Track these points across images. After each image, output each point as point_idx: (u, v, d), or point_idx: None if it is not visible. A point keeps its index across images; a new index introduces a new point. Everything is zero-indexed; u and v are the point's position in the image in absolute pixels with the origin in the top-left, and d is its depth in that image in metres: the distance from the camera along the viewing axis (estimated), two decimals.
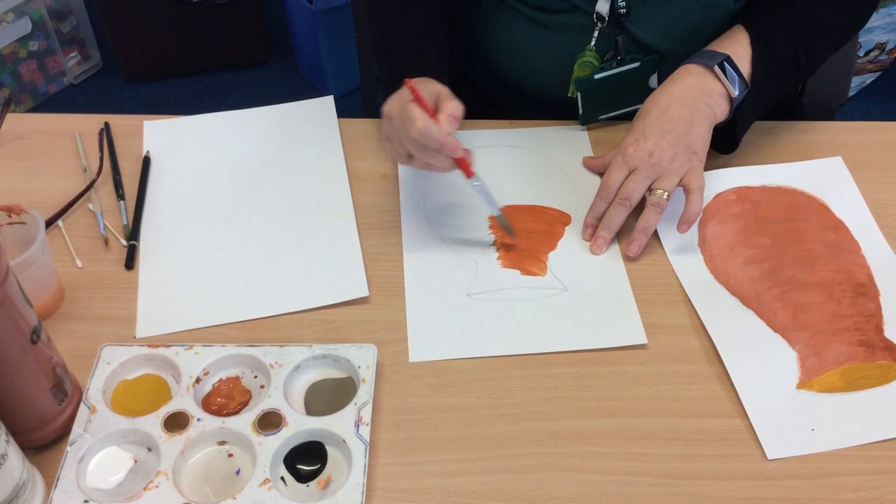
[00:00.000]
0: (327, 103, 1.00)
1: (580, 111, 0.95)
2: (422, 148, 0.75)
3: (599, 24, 0.90)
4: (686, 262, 0.82)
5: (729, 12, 0.92)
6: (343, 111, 0.99)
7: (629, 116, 0.89)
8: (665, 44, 0.93)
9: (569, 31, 0.93)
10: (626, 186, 0.83)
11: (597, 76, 0.93)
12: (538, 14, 0.93)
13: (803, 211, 0.87)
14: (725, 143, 0.91)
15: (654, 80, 0.94)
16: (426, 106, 0.74)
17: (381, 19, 0.95)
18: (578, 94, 0.94)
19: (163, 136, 0.96)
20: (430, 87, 0.78)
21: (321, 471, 0.65)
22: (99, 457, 0.65)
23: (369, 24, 0.99)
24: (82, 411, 0.67)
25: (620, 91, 0.94)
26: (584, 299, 0.79)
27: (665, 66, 0.90)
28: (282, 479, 0.65)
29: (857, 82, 2.17)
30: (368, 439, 0.65)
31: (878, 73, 2.17)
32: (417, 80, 0.79)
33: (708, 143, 0.85)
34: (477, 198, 0.81)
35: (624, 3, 0.88)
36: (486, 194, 0.80)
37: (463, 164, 0.77)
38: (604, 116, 0.97)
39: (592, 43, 0.92)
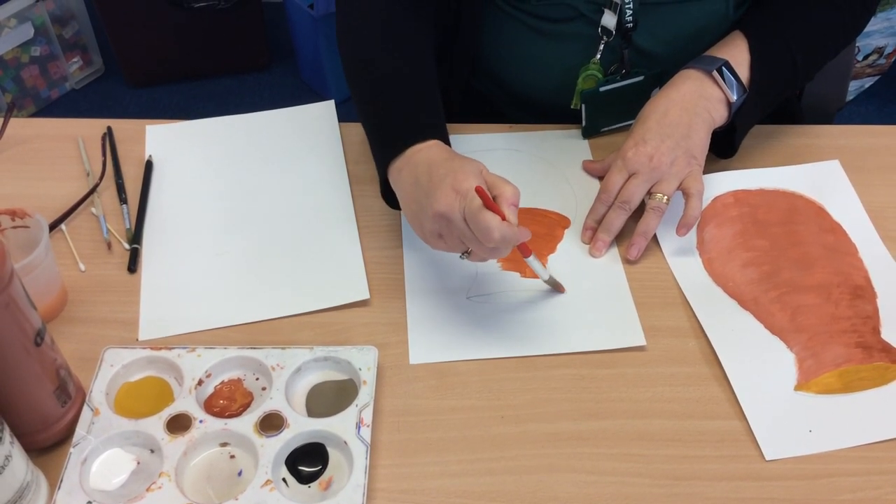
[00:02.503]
0: (328, 108, 1.01)
1: (583, 123, 0.96)
2: (493, 250, 0.69)
3: (605, 38, 0.91)
4: (684, 264, 0.83)
5: (728, 22, 0.93)
6: (344, 116, 0.99)
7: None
8: (667, 53, 0.93)
9: (573, 42, 0.93)
10: (625, 190, 0.83)
11: (602, 89, 0.93)
12: (541, 24, 0.94)
13: (801, 214, 0.87)
14: (724, 147, 0.91)
15: (656, 92, 0.95)
16: (496, 209, 0.67)
17: (360, 66, 0.85)
18: (583, 107, 0.94)
19: (165, 141, 0.97)
20: (472, 171, 0.70)
21: (322, 472, 0.66)
22: (102, 458, 0.66)
23: (348, 77, 0.87)
24: (85, 413, 0.67)
25: (624, 104, 0.94)
26: (583, 302, 0.79)
27: (665, 77, 0.90)
28: (283, 480, 0.65)
29: (855, 86, 2.18)
30: (369, 441, 0.66)
31: (876, 78, 2.17)
32: (448, 161, 0.72)
33: (707, 148, 0.85)
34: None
35: (631, 17, 0.88)
36: (537, 265, 0.76)
37: (523, 247, 0.72)
38: (606, 129, 0.97)
39: (598, 56, 0.92)
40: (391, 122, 0.80)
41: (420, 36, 0.87)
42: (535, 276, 0.81)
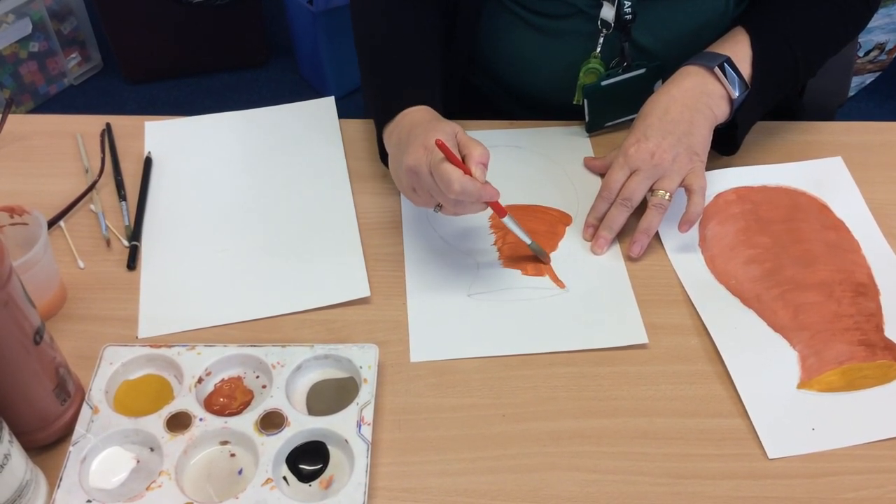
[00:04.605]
0: (328, 104, 1.01)
1: (586, 118, 0.95)
2: (457, 203, 0.73)
3: (605, 31, 0.90)
4: (687, 261, 0.83)
5: (728, 18, 0.92)
6: (343, 112, 0.99)
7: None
8: (666, 49, 0.93)
9: (572, 38, 0.93)
10: (627, 187, 0.83)
11: (603, 83, 0.93)
12: (540, 20, 0.93)
13: (803, 211, 0.87)
14: (726, 144, 0.91)
15: (658, 85, 0.94)
16: (458, 162, 0.71)
17: (373, 44, 0.91)
18: (585, 102, 0.94)
19: (164, 137, 0.96)
20: (445, 129, 0.74)
21: (323, 470, 0.65)
22: (101, 457, 0.66)
23: (357, 46, 0.93)
24: (85, 411, 0.67)
25: (626, 97, 0.93)
26: (585, 299, 0.79)
27: (666, 71, 0.90)
28: (284, 478, 0.65)
29: (856, 82, 2.18)
30: (370, 439, 0.66)
31: (877, 74, 2.17)
32: (429, 122, 0.77)
33: (709, 144, 0.85)
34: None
35: (630, 9, 0.88)
36: (517, 228, 0.79)
37: (495, 206, 0.76)
38: (610, 123, 0.97)
39: (598, 50, 0.92)
40: (386, 89, 0.86)
41: (422, 13, 0.91)
42: (538, 273, 0.81)
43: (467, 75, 1.04)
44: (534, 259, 0.82)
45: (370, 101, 0.88)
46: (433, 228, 0.86)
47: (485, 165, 0.72)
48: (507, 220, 0.78)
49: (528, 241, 0.80)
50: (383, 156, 0.86)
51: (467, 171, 0.71)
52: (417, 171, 0.74)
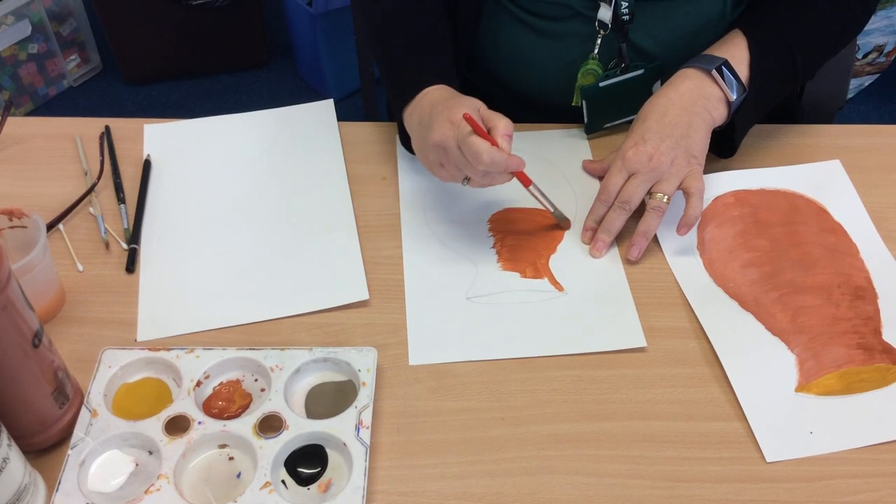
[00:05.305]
0: (327, 106, 1.01)
1: (585, 120, 0.95)
2: (486, 174, 0.76)
3: (602, 32, 0.90)
4: (685, 265, 0.83)
5: (726, 20, 0.93)
6: (342, 114, 0.99)
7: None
8: (664, 52, 0.93)
9: (570, 39, 0.93)
10: (625, 190, 0.83)
11: (602, 84, 0.93)
12: (539, 22, 0.93)
13: (802, 214, 0.87)
14: (724, 147, 0.91)
15: (657, 86, 0.94)
16: (485, 135, 0.74)
17: (384, 30, 0.93)
18: (584, 103, 0.94)
19: (163, 140, 0.96)
20: (468, 105, 0.77)
21: (322, 474, 0.65)
22: (100, 460, 0.66)
23: (369, 38, 0.96)
24: (83, 415, 0.67)
25: (625, 99, 0.94)
26: (583, 302, 0.79)
27: (665, 72, 0.90)
28: (282, 482, 0.65)
29: (854, 85, 2.18)
30: (369, 442, 0.66)
31: (876, 76, 2.17)
32: (450, 99, 0.79)
33: (707, 147, 0.85)
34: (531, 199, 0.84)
35: (627, 10, 0.88)
36: (542, 194, 0.83)
37: (521, 176, 0.79)
38: (609, 125, 0.97)
39: (595, 51, 0.92)
40: (403, 72, 0.88)
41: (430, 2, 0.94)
42: (536, 276, 0.81)
43: (467, 75, 1.04)
44: (532, 262, 0.83)
45: (387, 87, 0.91)
46: (432, 232, 0.86)
47: (510, 137, 0.76)
48: (532, 189, 0.81)
49: (552, 209, 0.84)
50: (404, 139, 0.89)
51: (494, 143, 0.74)
52: (445, 145, 0.76)
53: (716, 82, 0.85)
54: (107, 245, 0.84)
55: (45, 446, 0.66)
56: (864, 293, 0.79)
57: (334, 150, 0.95)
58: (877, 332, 0.76)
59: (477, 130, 0.74)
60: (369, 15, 0.96)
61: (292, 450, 0.66)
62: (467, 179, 0.79)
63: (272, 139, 0.97)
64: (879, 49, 2.09)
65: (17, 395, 0.62)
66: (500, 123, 0.76)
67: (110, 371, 0.70)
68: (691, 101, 0.84)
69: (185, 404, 0.68)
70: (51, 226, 0.85)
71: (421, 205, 0.88)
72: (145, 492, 0.63)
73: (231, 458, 0.66)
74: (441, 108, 0.78)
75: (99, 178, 0.91)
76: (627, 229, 0.84)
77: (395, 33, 0.92)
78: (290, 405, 0.68)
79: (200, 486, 0.65)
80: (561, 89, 0.96)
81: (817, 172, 0.92)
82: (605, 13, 0.89)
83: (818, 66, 0.94)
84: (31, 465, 0.62)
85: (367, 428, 0.66)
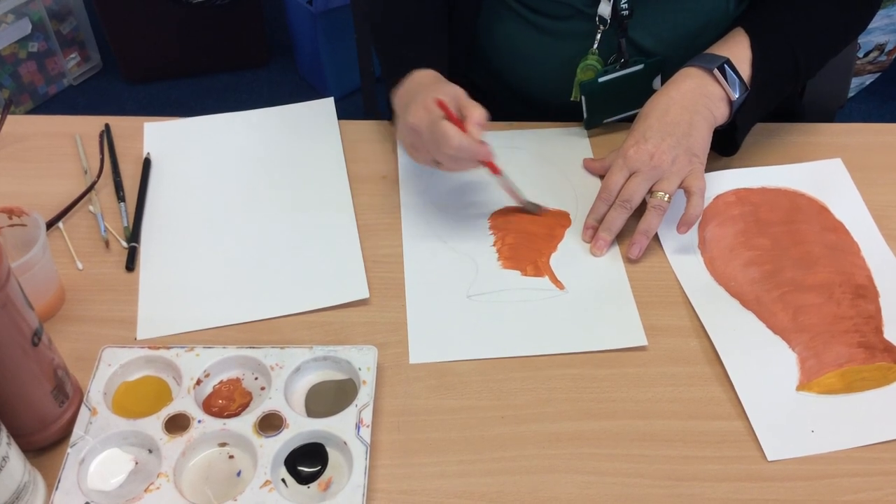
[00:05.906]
0: (327, 105, 1.01)
1: (584, 115, 0.95)
2: (454, 159, 0.78)
3: (602, 27, 0.90)
4: (686, 263, 0.83)
5: (728, 18, 0.92)
6: (343, 113, 0.99)
7: (632, 119, 0.89)
8: (667, 50, 0.93)
9: (570, 37, 0.93)
10: (626, 189, 0.83)
11: (601, 79, 0.93)
12: (539, 19, 0.93)
13: (803, 213, 0.87)
14: (726, 145, 0.91)
15: (657, 82, 0.94)
16: (457, 121, 0.77)
17: (384, 18, 0.96)
18: (583, 98, 0.94)
19: (163, 138, 0.96)
20: (447, 91, 0.79)
21: (322, 472, 0.65)
22: (100, 459, 0.65)
23: (370, 16, 1.00)
24: (83, 413, 0.67)
25: (624, 94, 0.94)
26: (584, 301, 0.79)
27: (665, 71, 0.90)
28: (283, 480, 0.65)
29: (856, 83, 2.18)
30: (369, 441, 0.65)
31: (877, 75, 2.17)
32: (433, 84, 0.82)
33: (708, 146, 0.85)
34: (501, 191, 0.85)
35: (626, 5, 0.88)
36: (512, 186, 0.84)
37: (490, 165, 0.81)
38: (608, 120, 0.97)
39: (595, 46, 0.92)
40: (396, 56, 0.92)
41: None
42: (537, 274, 0.81)
43: (466, 71, 1.04)
44: (533, 260, 0.82)
45: (383, 72, 0.94)
46: (432, 230, 0.86)
47: (481, 126, 0.77)
48: (500, 179, 0.82)
49: (524, 198, 0.84)
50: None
51: (464, 130, 0.76)
52: (417, 128, 0.79)
53: (718, 81, 0.85)
54: (106, 243, 0.84)
55: (44, 445, 0.66)
56: (865, 292, 0.79)
57: (334, 148, 0.95)
58: (878, 330, 0.76)
59: (449, 116, 0.76)
60: (373, 3, 0.99)
61: (292, 448, 0.66)
62: (437, 163, 0.80)
63: (272, 138, 0.97)
64: (880, 48, 2.09)
65: (16, 394, 0.62)
66: (475, 112, 0.77)
67: (110, 369, 0.70)
68: (693, 100, 0.84)
69: (184, 403, 0.68)
70: (50, 224, 0.85)
71: (421, 203, 0.88)
72: (145, 490, 0.63)
73: (231, 457, 0.66)
74: (421, 92, 0.80)
75: (99, 176, 0.91)
76: (628, 228, 0.84)
77: (393, 20, 0.95)
78: (291, 404, 0.68)
79: (200, 485, 0.64)
80: (560, 85, 0.96)
81: (818, 171, 0.92)
82: (604, 8, 0.89)
83: (820, 66, 0.94)
84: (30, 463, 0.62)
85: (368, 426, 0.66)
